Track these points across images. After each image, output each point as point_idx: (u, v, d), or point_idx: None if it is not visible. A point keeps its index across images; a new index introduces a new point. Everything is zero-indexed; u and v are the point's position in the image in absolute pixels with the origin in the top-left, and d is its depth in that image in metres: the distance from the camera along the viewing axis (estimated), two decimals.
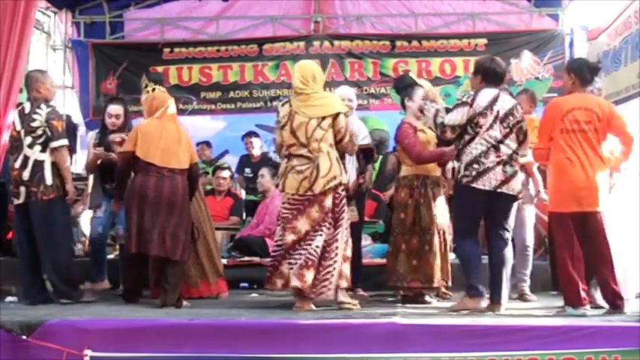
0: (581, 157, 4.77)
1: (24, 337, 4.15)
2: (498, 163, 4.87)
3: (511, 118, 4.96)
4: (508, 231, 5.01)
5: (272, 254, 5.28)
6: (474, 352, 4.08)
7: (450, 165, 5.19)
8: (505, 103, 4.99)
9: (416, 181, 5.48)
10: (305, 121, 5.01)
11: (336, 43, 9.85)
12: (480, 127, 4.90)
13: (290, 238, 4.99)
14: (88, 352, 4.07)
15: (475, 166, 4.88)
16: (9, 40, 4.70)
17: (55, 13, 9.90)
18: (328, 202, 5.00)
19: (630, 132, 4.89)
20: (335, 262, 4.94)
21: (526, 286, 5.83)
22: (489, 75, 5.05)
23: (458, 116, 4.95)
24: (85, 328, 4.21)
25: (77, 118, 9.58)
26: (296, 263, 4.93)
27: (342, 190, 5.09)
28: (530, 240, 5.91)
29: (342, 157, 5.22)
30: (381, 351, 4.12)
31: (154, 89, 5.74)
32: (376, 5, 10.05)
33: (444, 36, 9.78)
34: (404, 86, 5.78)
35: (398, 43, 9.77)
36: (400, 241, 5.48)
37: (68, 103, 9.91)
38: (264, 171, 7.31)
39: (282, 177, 5.09)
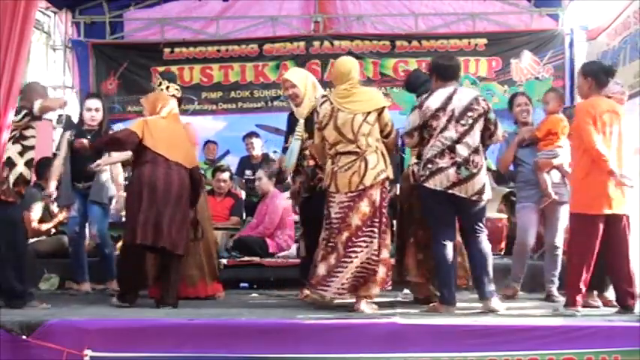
0: (613, 159, 4.74)
1: (24, 337, 4.15)
2: (452, 164, 4.83)
3: (470, 113, 4.88)
4: (480, 230, 4.97)
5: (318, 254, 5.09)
6: (474, 352, 4.09)
7: (411, 168, 5.18)
8: (462, 99, 4.91)
9: None
10: (350, 117, 4.95)
11: (336, 43, 9.86)
12: (434, 129, 4.89)
13: (345, 235, 4.91)
14: (88, 352, 4.07)
15: (429, 165, 4.87)
16: (9, 40, 4.70)
17: (55, 13, 9.90)
18: (377, 196, 4.95)
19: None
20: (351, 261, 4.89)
21: (554, 287, 5.69)
22: (441, 71, 5.03)
23: (410, 120, 4.98)
24: (85, 328, 4.21)
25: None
26: (351, 261, 4.85)
27: (388, 186, 5.09)
28: (559, 241, 5.76)
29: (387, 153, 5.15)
30: (381, 351, 4.12)
31: (167, 87, 5.85)
32: (376, 5, 10.06)
33: (444, 36, 9.79)
34: (421, 83, 5.64)
35: (398, 43, 9.79)
36: (420, 236, 5.38)
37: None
38: (261, 173, 7.30)
39: (330, 178, 4.98)
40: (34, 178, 7.13)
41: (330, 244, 4.95)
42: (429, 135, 4.93)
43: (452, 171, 4.83)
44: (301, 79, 5.51)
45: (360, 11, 10.04)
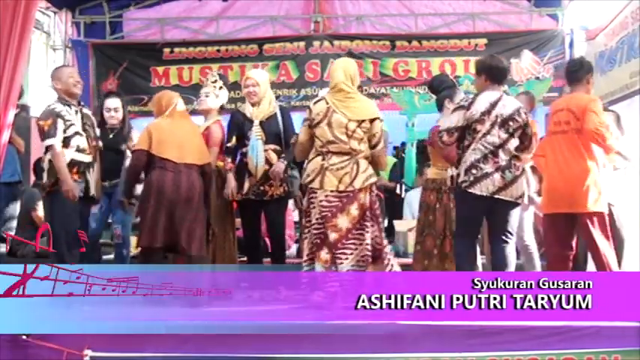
0: (562, 158, 4.80)
1: (24, 337, 4.15)
2: (497, 170, 4.82)
3: (511, 123, 4.86)
4: (510, 234, 4.96)
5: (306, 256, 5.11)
6: (474, 352, 4.09)
7: (449, 172, 5.21)
8: (506, 107, 4.88)
9: (443, 185, 5.53)
10: (344, 122, 4.92)
11: (336, 43, 9.85)
12: (477, 132, 4.86)
13: (333, 236, 4.91)
14: (88, 352, 4.07)
15: (473, 171, 4.83)
16: (9, 40, 4.71)
17: (55, 13, 9.89)
18: (366, 199, 4.95)
19: (597, 128, 4.83)
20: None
21: None
22: (493, 73, 4.97)
23: (453, 119, 4.92)
24: None
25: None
26: (342, 262, 4.87)
27: (376, 190, 5.08)
28: (529, 238, 5.80)
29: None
30: (381, 351, 4.12)
31: (221, 87, 5.93)
32: (376, 5, 10.06)
33: (444, 36, 9.78)
34: (444, 87, 5.65)
35: (398, 43, 9.78)
36: (432, 243, 5.54)
37: None
38: None
39: (318, 175, 4.94)
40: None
41: (316, 240, 4.97)
42: (471, 138, 4.88)
43: (497, 176, 4.80)
44: (264, 82, 5.73)
45: (360, 11, 10.03)
